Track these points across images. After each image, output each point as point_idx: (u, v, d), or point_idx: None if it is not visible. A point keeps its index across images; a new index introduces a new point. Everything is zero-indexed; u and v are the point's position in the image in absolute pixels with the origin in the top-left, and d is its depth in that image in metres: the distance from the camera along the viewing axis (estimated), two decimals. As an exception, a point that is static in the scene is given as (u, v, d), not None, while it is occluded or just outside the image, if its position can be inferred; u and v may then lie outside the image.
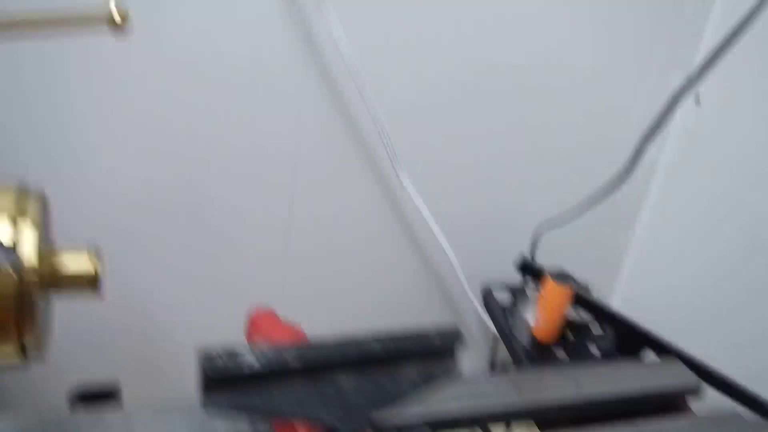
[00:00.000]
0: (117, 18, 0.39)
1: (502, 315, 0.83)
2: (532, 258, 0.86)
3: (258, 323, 0.61)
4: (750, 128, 0.80)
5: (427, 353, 0.44)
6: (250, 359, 0.40)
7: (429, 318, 0.91)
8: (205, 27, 0.61)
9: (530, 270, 0.78)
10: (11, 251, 0.37)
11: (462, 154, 0.79)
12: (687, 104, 0.87)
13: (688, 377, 0.71)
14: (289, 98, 0.68)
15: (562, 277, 0.70)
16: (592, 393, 0.65)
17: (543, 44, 0.76)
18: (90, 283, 0.41)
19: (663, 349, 0.75)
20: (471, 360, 0.96)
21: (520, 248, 0.89)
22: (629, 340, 0.78)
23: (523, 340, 0.78)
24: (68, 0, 0.54)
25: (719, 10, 0.82)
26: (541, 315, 0.71)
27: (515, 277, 0.88)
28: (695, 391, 0.71)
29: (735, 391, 0.71)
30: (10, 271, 0.37)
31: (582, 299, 0.75)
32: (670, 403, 0.71)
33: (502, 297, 0.86)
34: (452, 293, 0.90)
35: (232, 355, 0.40)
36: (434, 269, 0.86)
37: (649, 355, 0.77)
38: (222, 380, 0.39)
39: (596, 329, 0.83)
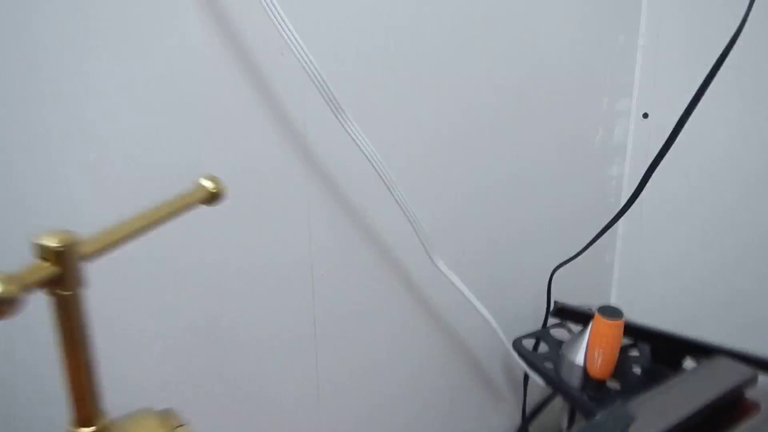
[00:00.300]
0: (216, 192, 0.35)
1: (541, 363, 0.82)
2: (548, 300, 0.87)
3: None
4: (700, 137, 0.86)
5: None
6: None
7: (461, 384, 0.88)
8: (208, 160, 0.56)
9: (566, 313, 0.78)
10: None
11: (475, 229, 0.79)
12: (638, 121, 0.94)
13: (744, 370, 0.74)
14: (298, 212, 0.64)
15: (611, 312, 0.71)
16: (684, 412, 0.66)
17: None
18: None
19: (706, 351, 0.78)
20: (503, 414, 0.94)
21: (532, 299, 0.90)
22: (670, 351, 0.80)
23: (574, 381, 0.77)
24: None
25: (643, 40, 0.90)
26: (598, 353, 0.72)
27: (529, 327, 0.89)
28: (754, 380, 0.74)
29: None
30: None
31: (626, 327, 0.76)
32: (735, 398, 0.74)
33: (529, 345, 0.86)
34: (477, 356, 0.88)
35: None
36: (462, 338, 0.85)
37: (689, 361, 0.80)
38: None
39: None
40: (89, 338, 0.29)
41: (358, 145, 0.57)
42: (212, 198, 0.35)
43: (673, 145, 0.86)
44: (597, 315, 0.71)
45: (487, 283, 0.85)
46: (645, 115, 0.92)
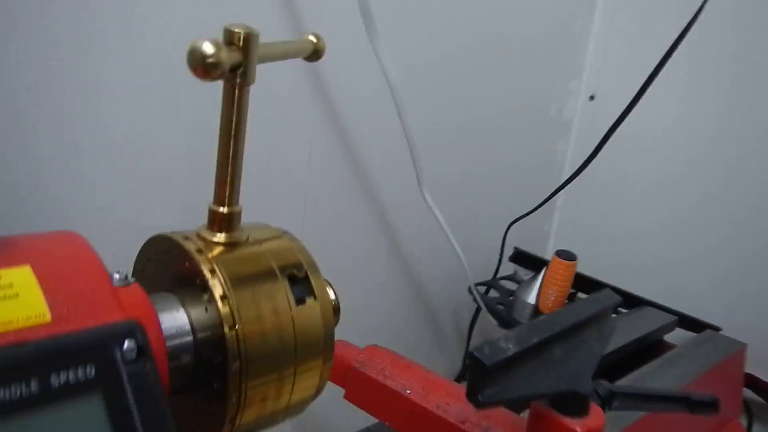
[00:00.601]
0: (317, 49, 0.39)
1: (494, 305, 0.90)
2: (502, 251, 0.96)
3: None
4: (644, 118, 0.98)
5: (599, 315, 0.50)
6: (507, 345, 0.42)
7: (413, 322, 0.95)
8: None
9: (523, 258, 0.87)
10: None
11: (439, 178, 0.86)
12: (584, 102, 1.06)
13: (665, 318, 0.87)
14: (301, 133, 0.68)
15: (566, 255, 0.80)
16: (617, 345, 0.77)
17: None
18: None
19: (635, 302, 0.89)
20: (446, 361, 1.02)
21: (483, 251, 0.98)
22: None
23: (525, 319, 0.86)
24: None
25: (598, 26, 1.02)
26: (551, 291, 0.81)
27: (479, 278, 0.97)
28: (673, 326, 0.87)
29: (688, 319, 0.88)
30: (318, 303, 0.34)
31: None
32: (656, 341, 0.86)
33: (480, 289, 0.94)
34: (431, 295, 0.95)
35: (494, 343, 0.41)
36: (421, 272, 0.91)
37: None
38: (492, 371, 0.41)
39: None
40: (245, 131, 0.32)
41: (381, 64, 0.62)
42: (315, 54, 0.39)
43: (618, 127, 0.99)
44: (554, 256, 0.80)
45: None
46: (591, 98, 1.04)
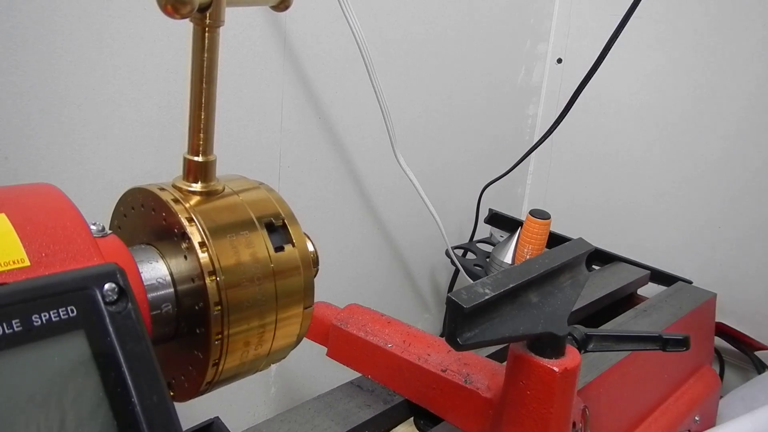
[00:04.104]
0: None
1: (471, 266, 0.92)
2: (477, 214, 0.97)
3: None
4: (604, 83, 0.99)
5: (573, 262, 0.52)
6: (484, 290, 0.43)
7: (393, 282, 0.96)
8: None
9: (498, 219, 0.89)
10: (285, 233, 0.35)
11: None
12: (552, 66, 1.07)
13: (638, 272, 0.89)
14: (272, 98, 0.68)
15: (540, 214, 0.81)
16: (592, 295, 0.79)
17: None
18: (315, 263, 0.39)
19: (608, 259, 0.91)
20: (427, 325, 1.03)
21: (458, 217, 0.99)
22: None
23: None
24: None
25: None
26: (528, 249, 0.82)
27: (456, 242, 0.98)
28: (645, 282, 0.89)
29: (660, 274, 0.90)
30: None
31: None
32: (629, 294, 0.88)
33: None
34: (409, 260, 0.96)
35: (471, 288, 0.42)
36: (399, 235, 0.92)
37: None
38: (470, 314, 0.42)
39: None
40: (217, 76, 0.32)
41: (351, 28, 0.62)
42: (283, 4, 0.39)
43: (584, 90, 1.00)
44: (528, 216, 0.81)
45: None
46: (559, 61, 1.04)
